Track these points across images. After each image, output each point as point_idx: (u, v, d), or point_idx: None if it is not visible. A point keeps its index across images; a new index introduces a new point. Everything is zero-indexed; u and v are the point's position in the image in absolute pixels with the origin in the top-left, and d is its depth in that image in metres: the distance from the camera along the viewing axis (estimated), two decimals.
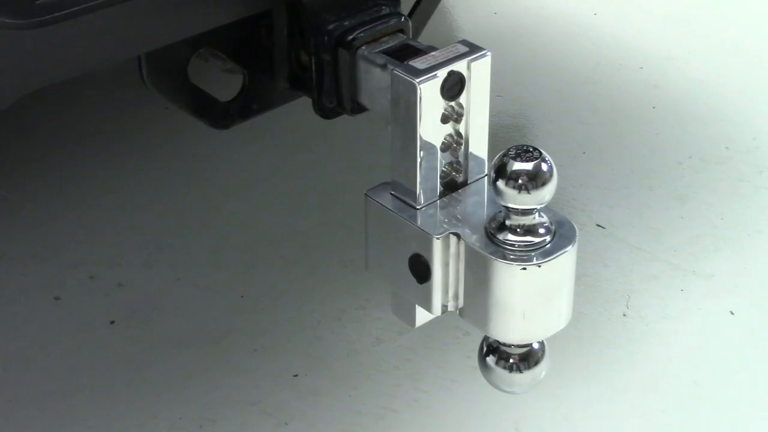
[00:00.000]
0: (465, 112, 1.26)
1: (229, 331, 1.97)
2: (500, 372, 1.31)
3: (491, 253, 1.21)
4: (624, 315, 2.01)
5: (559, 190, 2.31)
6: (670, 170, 2.41)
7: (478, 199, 1.29)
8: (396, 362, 1.91)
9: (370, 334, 1.96)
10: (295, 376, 1.88)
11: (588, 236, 2.20)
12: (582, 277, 2.09)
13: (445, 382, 1.87)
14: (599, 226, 2.23)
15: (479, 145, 1.30)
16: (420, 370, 1.89)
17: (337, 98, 1.33)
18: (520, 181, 1.19)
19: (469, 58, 1.24)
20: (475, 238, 1.23)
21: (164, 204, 2.26)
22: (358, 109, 1.34)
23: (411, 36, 1.34)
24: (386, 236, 1.30)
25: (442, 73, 1.22)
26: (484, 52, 1.25)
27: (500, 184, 1.19)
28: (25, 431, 1.79)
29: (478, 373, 1.31)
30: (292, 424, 1.79)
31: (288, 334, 1.97)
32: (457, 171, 1.29)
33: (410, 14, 1.55)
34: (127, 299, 2.05)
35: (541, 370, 1.31)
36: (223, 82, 1.42)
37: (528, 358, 1.30)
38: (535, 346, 1.30)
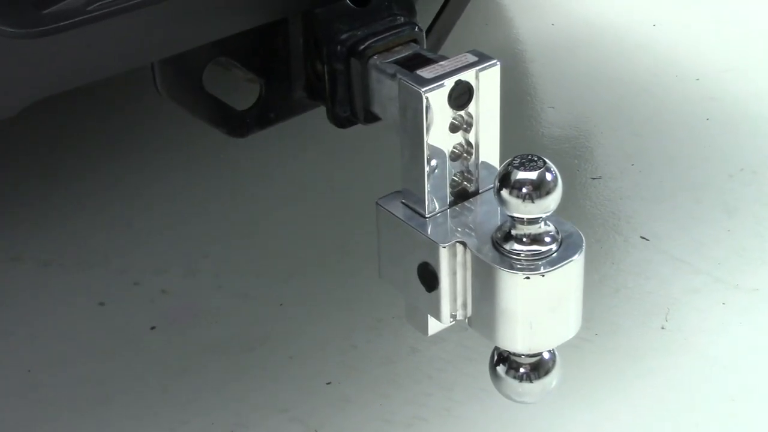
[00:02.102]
0: (474, 122, 1.27)
1: (267, 339, 1.99)
2: (510, 381, 1.30)
3: (495, 263, 1.21)
4: (662, 328, 1.99)
5: (605, 201, 2.34)
6: (719, 183, 2.38)
7: (489, 208, 1.29)
8: (429, 371, 1.92)
9: (405, 343, 1.97)
10: (328, 383, 1.89)
11: (631, 248, 2.18)
12: (622, 289, 2.08)
13: (476, 391, 1.86)
14: (643, 238, 2.21)
15: (491, 154, 1.30)
16: (453, 380, 1.89)
17: (350, 107, 1.34)
18: (524, 191, 1.19)
19: (478, 68, 1.24)
20: (480, 247, 1.23)
21: (209, 213, 2.29)
22: (372, 118, 1.34)
23: (425, 46, 1.35)
24: (396, 244, 1.30)
25: (449, 83, 1.22)
26: (493, 61, 1.25)
27: (504, 193, 1.19)
28: None
29: None
30: (322, 431, 1.81)
31: (324, 342, 1.98)
32: (469, 180, 1.29)
33: (431, 25, 1.55)
34: (169, 306, 2.08)
35: (551, 380, 1.30)
36: (242, 91, 1.44)
37: (538, 367, 1.30)
38: (546, 355, 1.29)
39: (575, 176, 2.40)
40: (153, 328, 2.03)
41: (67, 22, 1.10)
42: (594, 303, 2.05)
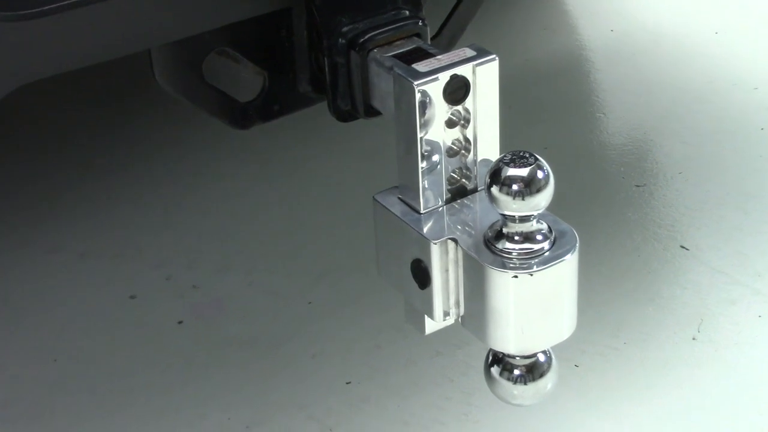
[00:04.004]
0: (472, 118, 1.24)
1: (292, 336, 1.98)
2: (504, 383, 1.28)
3: (484, 261, 1.19)
4: (693, 339, 1.94)
5: (647, 209, 2.30)
6: None
7: (488, 205, 1.27)
8: (451, 375, 1.89)
9: (430, 346, 1.94)
10: (348, 383, 1.88)
11: (669, 257, 2.14)
12: (655, 298, 2.03)
13: (496, 397, 1.83)
14: (683, 247, 2.16)
15: (489, 151, 1.28)
16: (474, 384, 1.86)
17: (351, 101, 1.33)
18: (514, 188, 1.16)
19: (474, 63, 1.22)
20: (471, 245, 1.21)
21: (244, 209, 2.29)
22: (372, 112, 1.33)
23: (428, 41, 1.33)
24: (392, 241, 1.29)
25: (443, 77, 1.20)
26: (491, 57, 1.23)
27: (494, 190, 1.17)
28: (78, 426, 1.84)
29: None
30: (337, 431, 1.79)
31: (349, 341, 1.97)
32: (467, 177, 1.27)
33: (445, 22, 1.53)
34: (199, 301, 2.08)
35: (546, 383, 1.27)
36: (248, 83, 1.43)
37: (533, 369, 1.27)
38: (541, 357, 1.27)
39: (619, 183, 2.36)
40: (180, 322, 2.03)
41: (53, 6, 1.10)
42: (626, 311, 2.01)
